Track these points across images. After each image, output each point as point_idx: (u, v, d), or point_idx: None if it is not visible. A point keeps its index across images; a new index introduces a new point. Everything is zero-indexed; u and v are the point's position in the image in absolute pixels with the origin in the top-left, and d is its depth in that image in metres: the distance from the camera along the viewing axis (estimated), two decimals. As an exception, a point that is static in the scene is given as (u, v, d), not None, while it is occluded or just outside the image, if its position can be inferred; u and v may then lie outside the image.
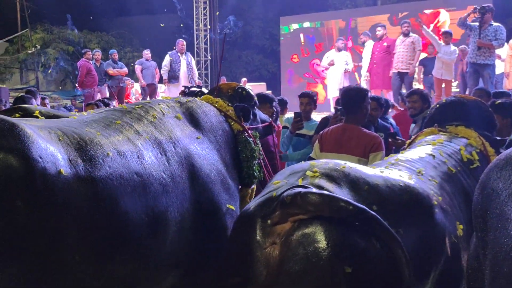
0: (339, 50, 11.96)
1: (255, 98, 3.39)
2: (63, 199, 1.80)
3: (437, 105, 3.16)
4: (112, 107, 5.91)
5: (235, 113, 3.10)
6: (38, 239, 1.73)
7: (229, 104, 3.14)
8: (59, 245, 1.79)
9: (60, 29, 19.60)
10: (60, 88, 20.24)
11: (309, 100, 5.25)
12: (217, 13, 17.23)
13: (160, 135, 2.44)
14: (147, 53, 12.77)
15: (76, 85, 12.59)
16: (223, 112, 3.05)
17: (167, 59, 11.88)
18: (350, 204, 1.63)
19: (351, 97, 3.70)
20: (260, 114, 3.51)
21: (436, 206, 1.97)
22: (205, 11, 17.14)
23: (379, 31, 10.89)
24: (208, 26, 17.20)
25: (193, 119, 2.81)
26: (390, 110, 6.65)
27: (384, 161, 2.51)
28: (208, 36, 17.27)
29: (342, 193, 1.75)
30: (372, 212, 1.64)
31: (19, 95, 7.82)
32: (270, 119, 3.64)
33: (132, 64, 15.32)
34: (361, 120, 3.70)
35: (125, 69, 12.43)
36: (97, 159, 1.98)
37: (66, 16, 17.09)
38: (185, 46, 12.16)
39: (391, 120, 5.85)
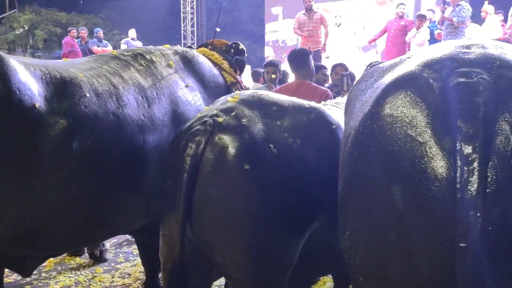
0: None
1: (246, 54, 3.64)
2: (36, 129, 2.03)
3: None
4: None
5: (229, 66, 3.30)
6: (12, 157, 1.98)
7: (223, 58, 3.33)
8: (28, 164, 2.04)
9: (49, 11, 19.72)
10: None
11: (274, 69, 5.68)
12: None
13: (144, 82, 2.62)
14: (132, 32, 13.04)
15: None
16: (217, 65, 3.24)
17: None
18: None
19: (298, 55, 4.16)
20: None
21: (337, 125, 2.30)
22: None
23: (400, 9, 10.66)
24: (195, 9, 17.43)
25: (186, 68, 2.99)
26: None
27: (327, 103, 2.90)
28: (194, 19, 17.49)
29: (252, 112, 2.07)
30: None
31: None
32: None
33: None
34: (310, 76, 4.14)
35: (110, 48, 12.64)
36: (73, 98, 2.19)
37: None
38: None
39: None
